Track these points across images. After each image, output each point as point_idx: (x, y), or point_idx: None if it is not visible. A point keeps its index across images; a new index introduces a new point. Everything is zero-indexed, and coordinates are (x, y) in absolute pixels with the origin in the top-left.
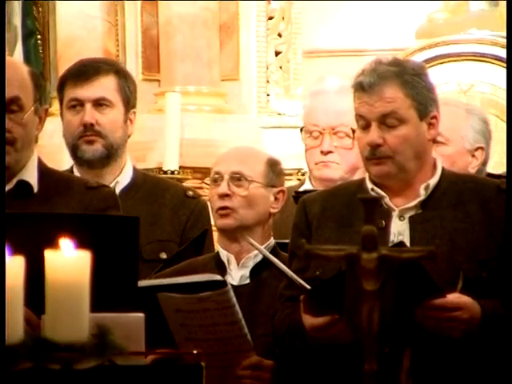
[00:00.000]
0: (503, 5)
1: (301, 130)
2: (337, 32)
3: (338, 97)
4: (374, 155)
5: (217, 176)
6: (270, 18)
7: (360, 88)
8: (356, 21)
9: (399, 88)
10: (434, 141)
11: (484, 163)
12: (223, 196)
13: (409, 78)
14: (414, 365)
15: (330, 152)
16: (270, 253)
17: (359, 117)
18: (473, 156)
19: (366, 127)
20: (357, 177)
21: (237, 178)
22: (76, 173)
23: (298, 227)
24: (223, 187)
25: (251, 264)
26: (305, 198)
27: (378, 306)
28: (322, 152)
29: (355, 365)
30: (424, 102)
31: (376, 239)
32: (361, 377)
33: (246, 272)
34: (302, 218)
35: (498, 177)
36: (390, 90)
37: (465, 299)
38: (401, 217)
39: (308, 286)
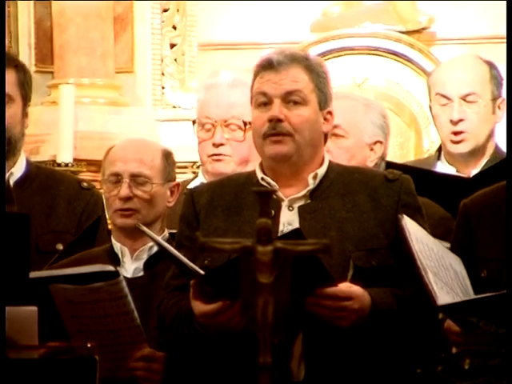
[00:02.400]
0: None
1: (193, 122)
2: (232, 25)
3: (231, 90)
4: (274, 129)
5: (115, 177)
6: (165, 11)
7: (268, 66)
8: (251, 14)
9: (305, 72)
10: (333, 133)
11: (382, 157)
12: (125, 199)
13: (314, 65)
14: (306, 353)
15: (221, 144)
16: None
17: (261, 94)
18: (371, 150)
19: (266, 104)
20: (248, 169)
21: (138, 180)
22: None
23: (185, 218)
24: (124, 190)
25: (145, 256)
26: (192, 188)
27: (273, 298)
28: (213, 144)
29: (249, 356)
30: (325, 93)
31: (271, 232)
32: (255, 368)
33: (140, 264)
34: (190, 209)
35: (398, 166)
36: (297, 70)
37: (355, 289)
38: (290, 207)
39: (202, 272)
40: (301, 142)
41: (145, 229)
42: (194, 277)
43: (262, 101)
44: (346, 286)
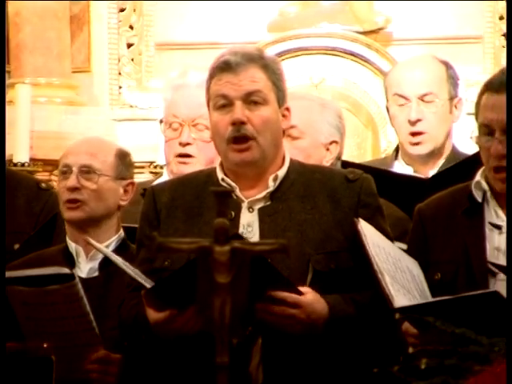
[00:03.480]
0: None
1: (160, 121)
2: (190, 25)
3: (199, 90)
4: (238, 132)
5: (66, 169)
6: (122, 10)
7: (226, 67)
8: (209, 14)
9: (262, 70)
10: (288, 134)
11: (338, 157)
12: (72, 189)
13: (270, 63)
14: (265, 357)
15: (188, 144)
16: (120, 246)
17: (220, 97)
18: (327, 150)
19: (225, 106)
20: None
21: (86, 171)
22: None
23: (146, 216)
24: (72, 180)
25: (100, 256)
26: (154, 186)
27: (230, 298)
28: (180, 144)
29: (207, 356)
30: (282, 90)
31: (228, 232)
32: (213, 369)
33: (95, 264)
34: (151, 207)
35: (354, 165)
36: (255, 70)
37: (307, 297)
38: (250, 208)
39: (148, 285)
40: (264, 144)
41: (92, 242)
42: (143, 288)
43: (222, 103)
44: (305, 291)
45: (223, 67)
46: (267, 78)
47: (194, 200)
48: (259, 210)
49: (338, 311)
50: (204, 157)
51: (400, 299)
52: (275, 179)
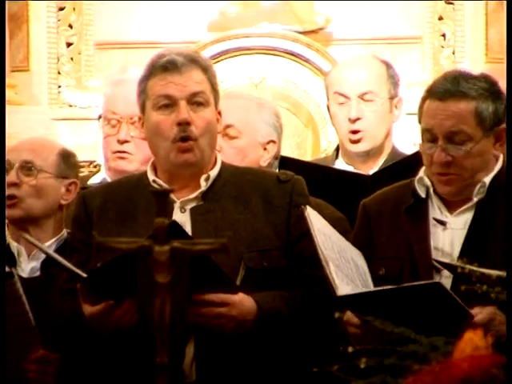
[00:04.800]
0: None
1: (99, 117)
2: (129, 24)
3: None
4: (184, 132)
5: (8, 166)
6: (61, 9)
7: (171, 67)
8: (148, 13)
9: (203, 72)
10: (226, 134)
11: (276, 156)
12: (11, 185)
13: (208, 65)
14: (198, 354)
15: (126, 141)
16: (62, 245)
17: (163, 97)
18: (265, 149)
19: (168, 106)
20: None
21: (26, 168)
22: None
23: (77, 221)
24: (12, 176)
25: (42, 256)
26: (84, 191)
27: (170, 298)
28: (118, 141)
29: (146, 356)
30: (218, 92)
31: (167, 231)
32: (152, 368)
33: (37, 264)
34: (82, 212)
35: (294, 161)
36: (198, 72)
37: (235, 296)
38: (182, 208)
39: (84, 274)
40: (204, 146)
41: (28, 237)
42: (79, 280)
43: (165, 103)
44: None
45: (167, 67)
46: (208, 80)
47: (126, 203)
48: (191, 209)
49: (268, 308)
50: (142, 154)
51: (343, 288)
52: (207, 179)
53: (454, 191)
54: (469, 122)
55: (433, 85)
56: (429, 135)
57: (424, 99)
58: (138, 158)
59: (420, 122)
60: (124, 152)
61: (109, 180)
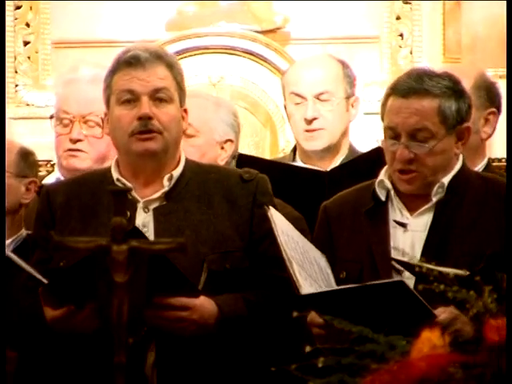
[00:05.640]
0: None
1: (51, 117)
2: (87, 22)
3: (91, 86)
4: (144, 127)
5: None
6: (18, 8)
7: (134, 62)
8: (106, 11)
9: (168, 69)
10: (185, 132)
11: (233, 156)
12: None
13: (174, 62)
14: (159, 359)
15: (79, 140)
16: (21, 244)
17: (126, 92)
18: (222, 148)
19: (130, 101)
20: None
21: None
22: None
23: (41, 217)
24: None
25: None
26: (48, 187)
27: (128, 298)
28: (71, 140)
29: (105, 356)
30: (183, 90)
31: (125, 231)
32: (111, 368)
33: None
34: (46, 208)
35: (252, 158)
36: (162, 68)
37: (196, 299)
38: (145, 208)
39: (45, 280)
40: (169, 139)
41: None
42: (40, 284)
43: (127, 98)
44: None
45: (131, 62)
46: (173, 77)
47: (90, 200)
48: (154, 209)
49: (229, 311)
50: (95, 153)
51: (307, 287)
52: (170, 179)
53: (415, 189)
54: (432, 119)
55: (396, 82)
56: (392, 132)
57: (387, 96)
58: (90, 156)
59: (383, 120)
60: (76, 150)
61: (62, 179)
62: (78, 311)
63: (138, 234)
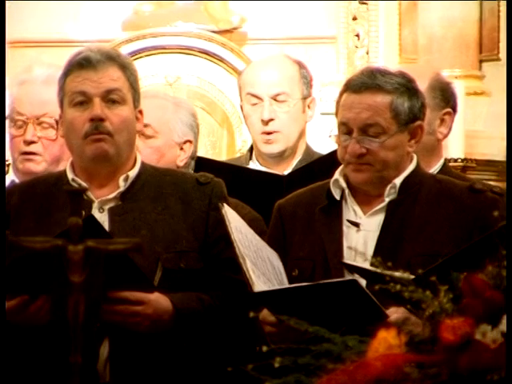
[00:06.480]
0: None
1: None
2: (43, 22)
3: (45, 87)
4: (96, 129)
5: None
6: None
7: (86, 64)
8: (62, 11)
9: (121, 70)
10: (142, 133)
11: (192, 156)
12: None
13: (127, 63)
14: (112, 355)
15: (33, 142)
16: None
17: (78, 93)
18: (181, 149)
19: (83, 103)
20: (61, 168)
21: None
22: None
23: None
24: None
25: None
26: (6, 188)
27: (84, 297)
28: (25, 142)
29: (60, 355)
30: (137, 91)
31: (81, 231)
32: (66, 368)
33: None
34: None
35: (210, 161)
36: (114, 69)
37: (151, 294)
38: (100, 208)
39: None
40: (120, 142)
41: None
42: None
43: (79, 100)
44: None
45: (83, 64)
46: (126, 78)
47: (44, 201)
48: (109, 209)
49: (184, 308)
50: (49, 155)
51: (260, 285)
52: (126, 179)
53: (367, 181)
54: (384, 114)
55: (350, 79)
56: (344, 128)
57: (341, 93)
58: (45, 159)
59: (337, 116)
60: (31, 153)
61: (17, 182)
62: (32, 301)
63: (94, 224)
